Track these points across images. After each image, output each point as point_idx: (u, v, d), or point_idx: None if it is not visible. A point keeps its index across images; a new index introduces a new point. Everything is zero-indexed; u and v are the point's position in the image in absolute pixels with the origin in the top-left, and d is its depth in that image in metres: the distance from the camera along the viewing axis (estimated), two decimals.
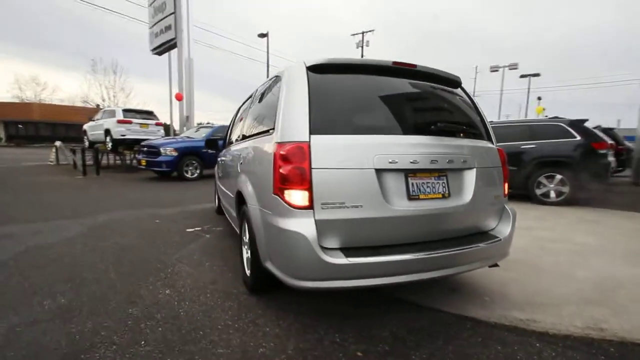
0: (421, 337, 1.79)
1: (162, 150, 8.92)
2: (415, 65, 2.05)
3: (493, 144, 2.23)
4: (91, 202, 5.81)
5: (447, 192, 1.91)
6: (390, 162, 1.74)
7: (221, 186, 3.74)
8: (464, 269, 1.90)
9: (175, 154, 8.98)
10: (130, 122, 10.83)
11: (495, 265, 2.12)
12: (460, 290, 2.36)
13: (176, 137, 11.42)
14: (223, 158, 3.70)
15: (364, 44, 30.24)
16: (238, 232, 2.78)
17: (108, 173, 10.42)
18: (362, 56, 30.09)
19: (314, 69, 1.89)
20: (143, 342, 1.73)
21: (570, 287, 2.39)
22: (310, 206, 1.64)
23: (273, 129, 1.90)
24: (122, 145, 11.29)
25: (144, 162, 9.23)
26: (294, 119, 1.76)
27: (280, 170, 1.70)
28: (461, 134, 2.07)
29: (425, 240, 1.87)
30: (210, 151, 9.79)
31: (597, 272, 2.68)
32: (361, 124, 1.84)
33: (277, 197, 1.73)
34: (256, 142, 2.19)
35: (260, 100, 2.50)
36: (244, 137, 2.66)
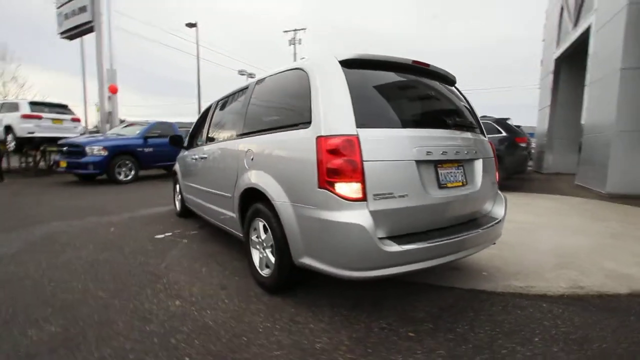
0: (454, 313, 1.96)
1: (88, 149, 7.78)
2: (428, 65, 2.21)
3: (485, 136, 2.52)
4: (11, 213, 4.83)
5: (465, 180, 2.11)
6: (427, 154, 1.87)
7: (199, 187, 3.46)
8: (480, 249, 2.14)
9: (104, 153, 7.92)
10: (39, 117, 9.19)
11: (494, 243, 2.42)
12: (460, 269, 2.62)
13: (102, 135, 10.07)
14: (200, 156, 3.43)
15: (296, 41, 30.44)
16: (240, 233, 2.64)
17: (14, 178, 8.70)
18: (294, 54, 30.26)
19: (345, 63, 1.90)
20: (187, 358, 1.56)
21: (541, 258, 2.84)
22: (364, 198, 1.67)
23: (308, 122, 1.86)
24: (29, 144, 9.52)
25: (64, 164, 7.95)
26: (338, 113, 1.76)
27: (329, 164, 1.69)
28: (469, 128, 2.31)
29: (450, 224, 2.05)
30: (147, 150, 9.02)
31: (551, 244, 3.23)
32: (395, 117, 1.92)
33: (325, 190, 1.71)
34: (277, 136, 2.10)
35: (270, 94, 2.40)
36: (247, 134, 2.52)
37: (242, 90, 2.89)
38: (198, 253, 3.08)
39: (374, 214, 1.66)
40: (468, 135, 2.25)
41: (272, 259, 2.17)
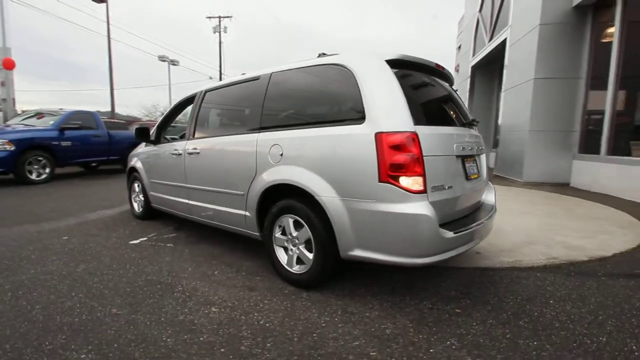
0: (478, 289, 2.24)
1: None
2: (443, 68, 2.43)
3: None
4: None
5: (478, 172, 2.40)
6: (462, 149, 2.08)
7: (185, 185, 3.16)
8: (489, 232, 2.46)
9: (11, 148, 6.54)
10: None
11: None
12: None
13: (5, 125, 8.23)
14: (187, 152, 3.13)
15: (222, 29, 28.87)
16: (253, 232, 2.53)
17: None
18: (219, 42, 28.67)
19: (389, 63, 1.99)
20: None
21: (510, 237, 3.36)
22: (425, 190, 1.80)
23: (360, 119, 1.91)
24: None
25: None
26: (396, 110, 1.84)
27: (393, 159, 1.77)
28: (472, 125, 2.61)
29: (469, 212, 2.32)
30: (64, 144, 7.69)
31: (515, 225, 3.83)
32: (433, 116, 2.09)
33: (387, 184, 1.79)
34: (319, 132, 2.08)
35: (296, 89, 2.34)
36: (266, 128, 2.41)
37: (247, 82, 2.73)
38: (196, 256, 2.84)
39: (432, 204, 1.81)
40: (474, 132, 2.55)
41: (309, 255, 2.16)
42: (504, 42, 8.59)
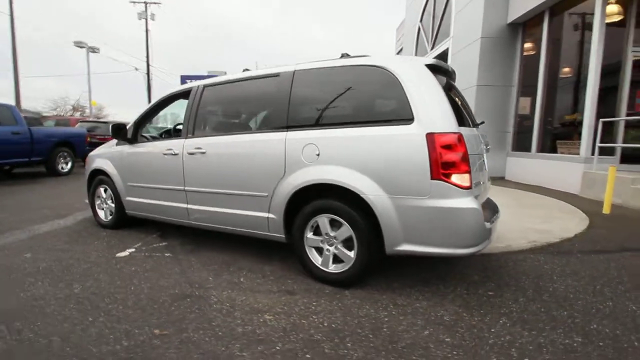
0: (494, 272, 2.51)
1: None
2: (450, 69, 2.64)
3: None
4: None
5: (486, 168, 2.68)
6: (482, 147, 2.31)
7: (184, 188, 2.91)
8: None
9: None
10: None
11: None
12: None
13: None
14: (187, 151, 2.87)
15: (148, 16, 26.42)
16: (278, 234, 2.46)
17: None
18: (146, 29, 26.16)
19: (429, 67, 2.13)
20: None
21: None
22: (471, 186, 1.96)
23: (409, 119, 2.00)
24: None
25: None
26: (443, 112, 1.98)
27: (445, 157, 1.90)
28: (476, 125, 2.89)
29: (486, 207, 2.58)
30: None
31: None
32: (460, 117, 2.27)
33: (439, 181, 1.91)
34: (363, 131, 2.10)
35: (330, 89, 2.32)
36: (296, 127, 2.35)
37: (262, 78, 2.63)
38: (208, 265, 2.64)
39: (476, 198, 1.99)
40: (478, 131, 2.83)
41: (349, 253, 2.19)
42: (446, 51, 9.49)
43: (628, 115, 5.67)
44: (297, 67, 2.49)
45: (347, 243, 2.21)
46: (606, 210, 4.40)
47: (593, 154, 5.53)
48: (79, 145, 8.92)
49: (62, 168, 8.48)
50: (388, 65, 2.14)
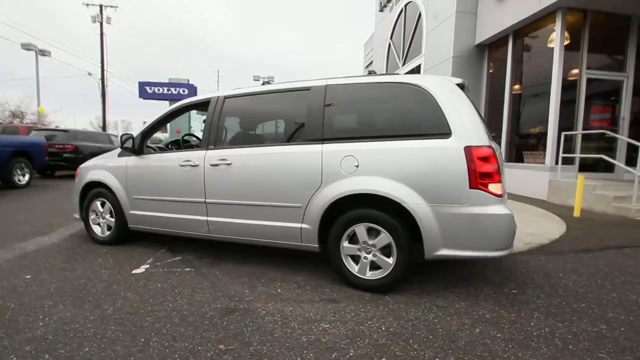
0: (511, 272, 2.74)
1: None
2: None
3: None
4: None
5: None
6: (502, 159, 2.55)
7: (205, 200, 2.84)
8: None
9: None
10: None
11: None
12: None
13: None
14: (210, 163, 2.81)
15: (103, 19, 25.00)
16: (312, 244, 2.50)
17: None
18: (101, 33, 24.69)
19: (459, 86, 2.33)
20: (438, 358, 1.60)
21: None
22: (503, 194, 2.17)
23: (446, 134, 2.17)
24: None
25: None
26: (477, 127, 2.17)
27: (482, 168, 2.09)
28: None
29: None
30: None
31: None
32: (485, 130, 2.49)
33: (478, 190, 2.09)
34: (403, 144, 2.22)
35: (366, 104, 2.44)
36: (333, 139, 2.42)
37: (291, 91, 2.69)
38: (237, 277, 2.60)
39: (505, 205, 2.20)
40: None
41: (388, 260, 2.30)
42: (418, 67, 10.10)
43: (584, 129, 6.44)
44: (329, 82, 2.58)
45: (385, 250, 2.32)
46: (577, 213, 4.95)
47: (557, 163, 6.19)
48: (37, 155, 8.15)
49: (19, 180, 7.69)
50: (423, 84, 2.31)
